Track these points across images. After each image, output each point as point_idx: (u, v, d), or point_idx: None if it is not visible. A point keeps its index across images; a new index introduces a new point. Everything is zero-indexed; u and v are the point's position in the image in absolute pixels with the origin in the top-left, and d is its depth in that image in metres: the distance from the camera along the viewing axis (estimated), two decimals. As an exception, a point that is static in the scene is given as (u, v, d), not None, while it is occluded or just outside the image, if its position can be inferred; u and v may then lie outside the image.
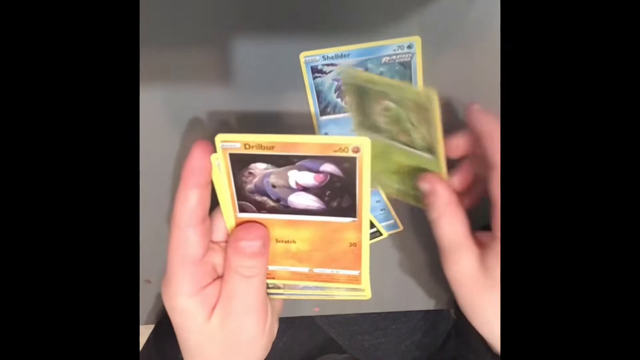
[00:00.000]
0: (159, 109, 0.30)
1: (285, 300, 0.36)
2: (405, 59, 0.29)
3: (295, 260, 0.27)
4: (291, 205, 0.25)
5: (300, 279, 0.28)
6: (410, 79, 0.30)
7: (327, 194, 0.24)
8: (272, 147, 0.23)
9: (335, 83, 0.29)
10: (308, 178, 0.24)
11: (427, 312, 0.45)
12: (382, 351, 0.48)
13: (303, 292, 0.29)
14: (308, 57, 0.29)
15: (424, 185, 0.28)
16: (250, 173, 0.24)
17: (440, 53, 0.29)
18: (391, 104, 0.25)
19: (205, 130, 0.31)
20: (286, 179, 0.24)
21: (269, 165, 0.24)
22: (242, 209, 0.25)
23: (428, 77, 0.30)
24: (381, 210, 0.33)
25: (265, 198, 0.25)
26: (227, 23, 0.28)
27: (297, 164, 0.23)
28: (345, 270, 0.27)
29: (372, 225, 0.34)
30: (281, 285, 0.29)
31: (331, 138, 0.23)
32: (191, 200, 0.24)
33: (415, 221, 0.34)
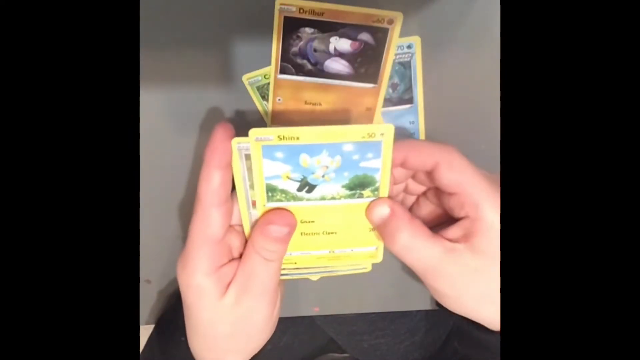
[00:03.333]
0: (159, 109, 0.30)
1: (285, 299, 0.36)
2: (405, 59, 0.29)
3: (318, 123, 0.28)
4: (325, 70, 0.28)
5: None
6: (410, 79, 0.30)
7: (357, 60, 0.28)
8: (322, 14, 0.26)
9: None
10: (346, 45, 0.27)
11: (426, 312, 0.45)
12: (381, 351, 0.48)
13: (308, 270, 0.30)
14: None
15: (379, 210, 0.26)
16: (298, 36, 0.27)
17: (440, 53, 0.29)
18: None
19: (205, 130, 0.31)
20: (327, 44, 0.27)
21: (316, 31, 0.27)
22: (282, 70, 0.28)
23: (428, 77, 0.30)
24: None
25: (305, 61, 0.28)
26: (227, 23, 0.28)
27: (340, 30, 0.27)
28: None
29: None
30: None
31: (372, 10, 0.27)
32: (214, 181, 0.24)
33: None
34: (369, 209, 0.26)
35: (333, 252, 0.29)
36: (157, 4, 0.27)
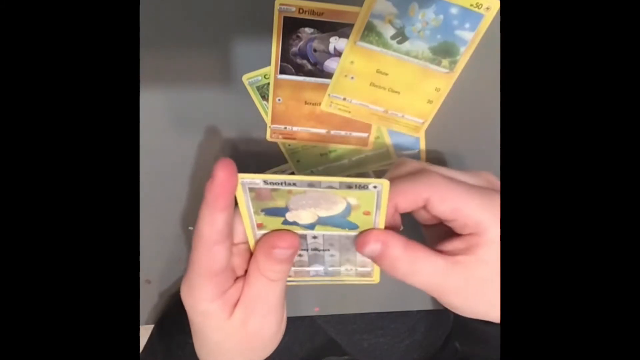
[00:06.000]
0: (159, 109, 0.30)
1: (285, 299, 0.36)
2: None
3: (317, 122, 0.31)
4: (325, 70, 0.29)
5: (317, 140, 0.31)
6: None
7: None
8: (321, 14, 0.27)
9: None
10: (345, 44, 0.28)
11: (426, 312, 0.45)
12: (381, 351, 0.48)
13: (314, 279, 0.30)
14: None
15: (371, 248, 0.25)
16: (298, 37, 0.27)
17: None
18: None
19: (205, 130, 0.31)
20: (327, 44, 0.28)
21: (315, 30, 0.27)
22: (282, 70, 0.29)
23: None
24: (381, 210, 0.33)
25: (304, 61, 0.28)
26: (227, 23, 0.28)
27: (339, 30, 0.27)
28: (356, 132, 0.31)
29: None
30: (292, 274, 0.29)
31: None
32: (218, 223, 0.24)
33: (415, 221, 0.34)
34: (360, 245, 0.25)
35: (387, 112, 0.30)
36: (157, 4, 0.27)
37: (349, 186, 0.22)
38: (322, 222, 0.25)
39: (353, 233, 0.26)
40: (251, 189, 0.24)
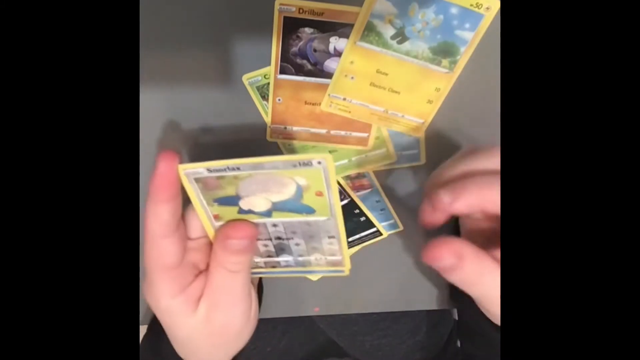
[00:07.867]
0: (158, 109, 0.30)
1: (285, 300, 0.36)
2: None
3: (317, 122, 0.31)
4: (325, 70, 0.29)
5: (317, 140, 0.31)
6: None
7: None
8: (321, 14, 0.27)
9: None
10: (345, 44, 0.28)
11: (428, 312, 0.45)
12: (383, 352, 0.48)
13: (285, 269, 0.29)
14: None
15: (448, 261, 0.23)
16: (298, 37, 0.28)
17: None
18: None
19: (205, 130, 0.31)
20: (327, 44, 0.28)
21: (315, 30, 0.28)
22: (282, 70, 0.29)
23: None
24: (381, 210, 0.33)
25: (304, 61, 0.28)
26: (227, 23, 0.28)
27: (339, 30, 0.28)
28: (356, 132, 0.31)
29: (372, 225, 0.34)
30: (262, 264, 0.29)
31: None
32: (163, 215, 0.24)
33: (415, 221, 0.34)
34: (432, 259, 0.24)
35: (387, 112, 0.30)
36: (157, 4, 0.27)
37: (293, 165, 0.22)
38: (278, 207, 0.25)
39: (312, 218, 0.26)
40: (197, 180, 0.24)
